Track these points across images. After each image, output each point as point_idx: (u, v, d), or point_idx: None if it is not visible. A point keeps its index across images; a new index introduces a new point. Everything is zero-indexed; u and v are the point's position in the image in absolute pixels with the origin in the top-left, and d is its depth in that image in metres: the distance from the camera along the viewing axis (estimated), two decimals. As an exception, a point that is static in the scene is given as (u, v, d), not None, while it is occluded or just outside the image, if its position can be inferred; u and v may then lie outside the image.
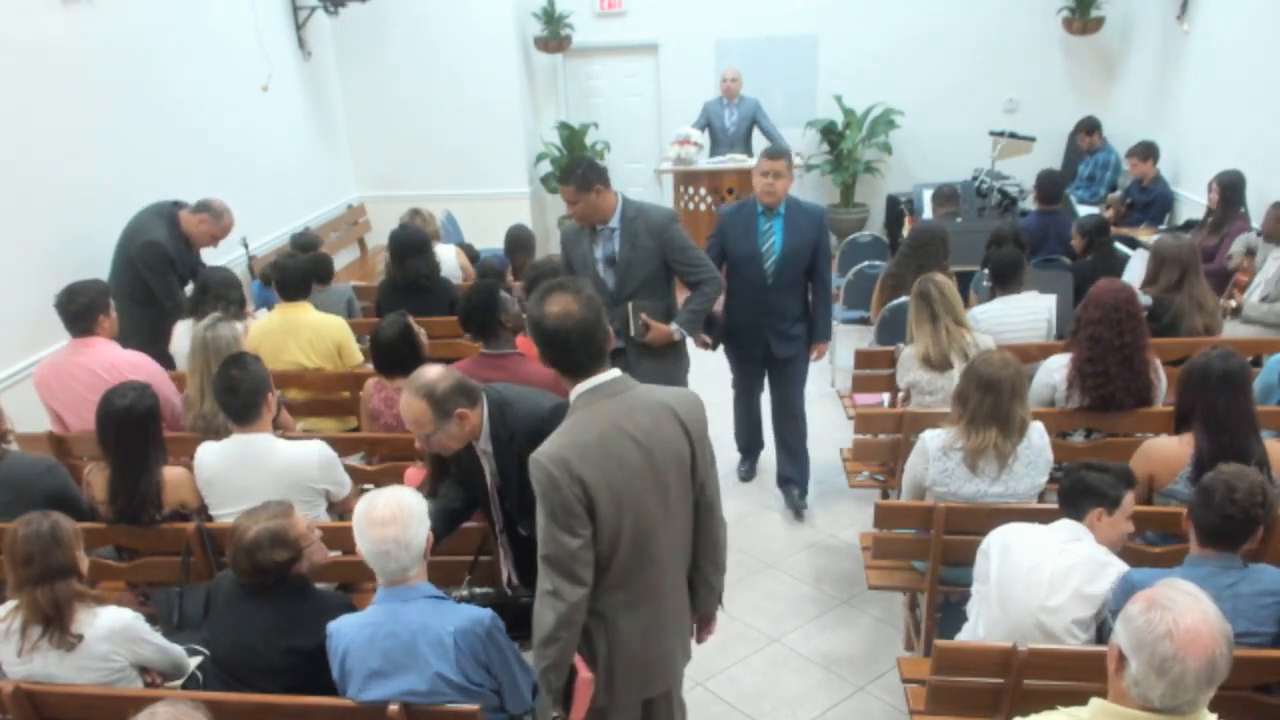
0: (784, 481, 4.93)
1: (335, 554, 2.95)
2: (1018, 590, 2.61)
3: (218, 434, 3.41)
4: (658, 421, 2.28)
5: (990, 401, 3.09)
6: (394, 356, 3.74)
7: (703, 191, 7.75)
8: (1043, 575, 2.59)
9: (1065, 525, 2.68)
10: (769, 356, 4.54)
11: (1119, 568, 2.58)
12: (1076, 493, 2.68)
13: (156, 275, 4.79)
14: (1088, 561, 2.58)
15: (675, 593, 2.46)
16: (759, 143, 8.03)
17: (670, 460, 2.30)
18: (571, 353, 2.22)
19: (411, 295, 4.85)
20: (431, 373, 2.61)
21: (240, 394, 3.17)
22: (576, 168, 3.93)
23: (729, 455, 5.18)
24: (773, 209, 4.31)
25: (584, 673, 2.30)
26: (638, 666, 2.40)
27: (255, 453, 3.20)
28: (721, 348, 4.71)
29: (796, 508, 4.88)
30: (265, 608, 2.50)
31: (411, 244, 4.97)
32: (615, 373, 2.29)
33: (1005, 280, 4.50)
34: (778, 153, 4.33)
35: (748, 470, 5.27)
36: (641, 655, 2.40)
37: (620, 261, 3.99)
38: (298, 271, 4.50)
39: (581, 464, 2.15)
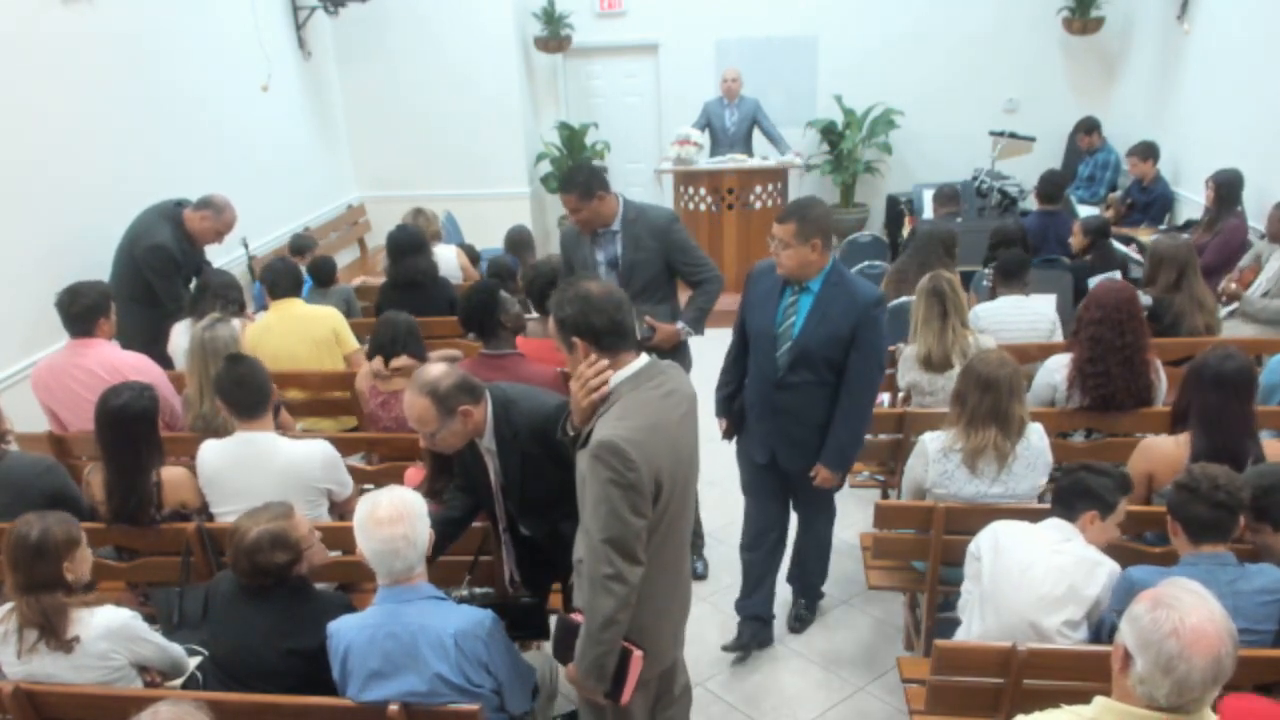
0: (791, 578, 4.00)
1: (335, 554, 2.95)
2: (1010, 590, 2.62)
3: (217, 434, 3.41)
4: (689, 405, 2.43)
5: (990, 400, 3.09)
6: (396, 341, 3.87)
7: (703, 191, 7.75)
8: (1036, 574, 2.59)
9: (1056, 525, 2.67)
10: (777, 464, 3.55)
11: (1111, 567, 2.59)
12: (1074, 493, 2.68)
13: (162, 278, 4.80)
14: (1081, 561, 2.59)
15: (687, 564, 2.58)
16: (759, 143, 8.05)
17: (695, 441, 2.46)
18: (588, 317, 2.27)
19: (410, 292, 4.90)
20: (434, 370, 2.62)
21: (248, 388, 3.21)
22: (578, 175, 3.89)
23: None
24: (798, 282, 3.28)
25: (637, 650, 2.31)
26: (663, 639, 2.46)
27: (258, 451, 3.20)
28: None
29: (797, 618, 3.99)
30: (265, 609, 2.50)
31: (409, 243, 5.03)
32: (645, 358, 2.37)
33: (1009, 279, 4.50)
34: (786, 214, 3.20)
35: (750, 619, 3.89)
36: (666, 627, 2.46)
37: (624, 264, 3.96)
38: (284, 270, 4.61)
39: (651, 446, 2.20)
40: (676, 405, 2.35)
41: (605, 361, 2.29)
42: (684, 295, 4.19)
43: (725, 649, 3.84)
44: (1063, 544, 2.62)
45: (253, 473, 3.17)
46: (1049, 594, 2.57)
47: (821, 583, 4.02)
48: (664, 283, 4.05)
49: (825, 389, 3.33)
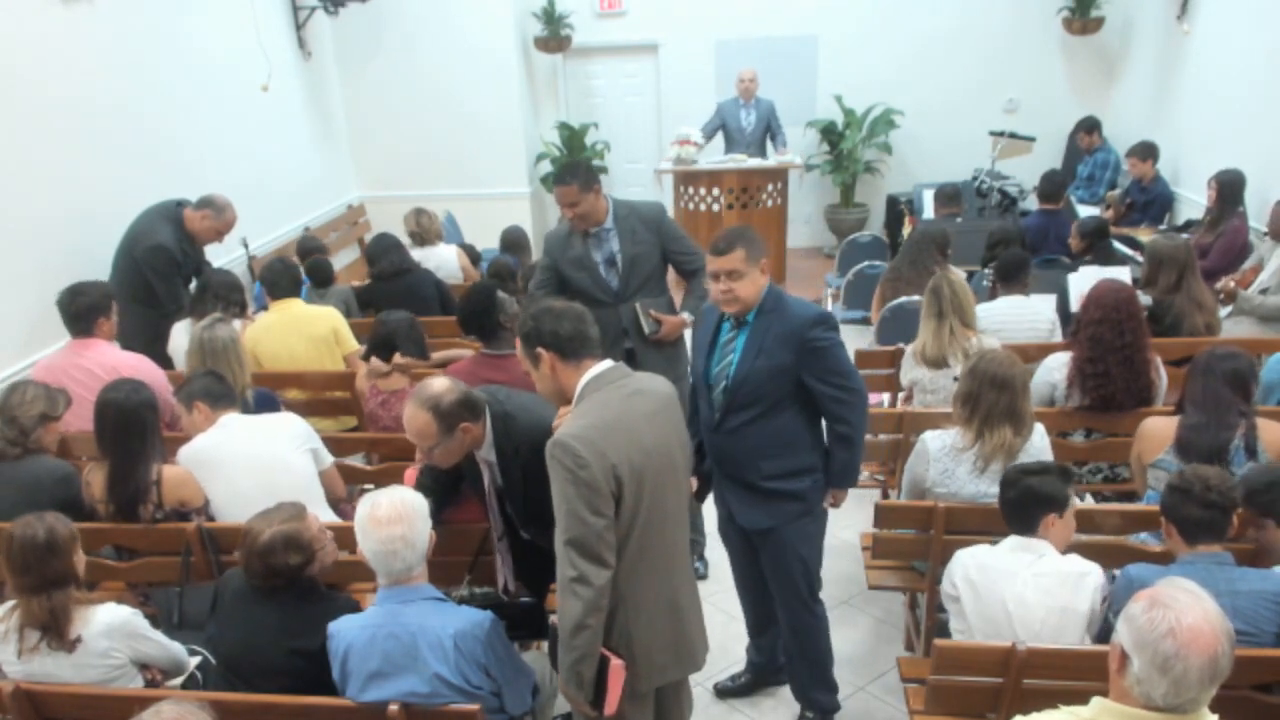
0: (789, 682, 3.45)
1: (343, 554, 2.95)
2: (1004, 630, 2.58)
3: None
4: (662, 404, 2.39)
5: (1006, 400, 3.08)
6: (396, 337, 3.95)
7: (703, 191, 7.75)
8: (1027, 611, 2.56)
9: (1022, 545, 2.63)
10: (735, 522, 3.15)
11: (1097, 576, 2.58)
12: (1026, 503, 2.63)
13: (162, 278, 4.80)
14: (1064, 579, 2.57)
15: (686, 574, 2.52)
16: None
17: (675, 440, 2.41)
18: (553, 325, 2.34)
19: (397, 280, 5.19)
20: (437, 385, 2.61)
21: (225, 382, 3.48)
22: (577, 167, 3.91)
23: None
24: (738, 317, 2.94)
25: (616, 659, 2.29)
26: (656, 651, 2.40)
27: (239, 427, 3.31)
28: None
29: None
30: (274, 608, 2.50)
31: (388, 242, 5.35)
32: (610, 362, 2.39)
33: (1008, 280, 4.51)
34: (729, 243, 2.84)
35: (749, 678, 3.62)
36: (659, 639, 2.40)
37: (624, 259, 3.94)
38: (283, 270, 4.66)
39: (606, 443, 2.19)
40: (644, 403, 2.34)
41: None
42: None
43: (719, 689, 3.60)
44: (1038, 564, 2.59)
45: (245, 439, 3.27)
46: (1044, 627, 2.55)
47: (822, 693, 3.33)
48: (659, 276, 4.07)
49: (770, 425, 2.92)
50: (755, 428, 2.93)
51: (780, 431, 2.94)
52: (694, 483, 3.15)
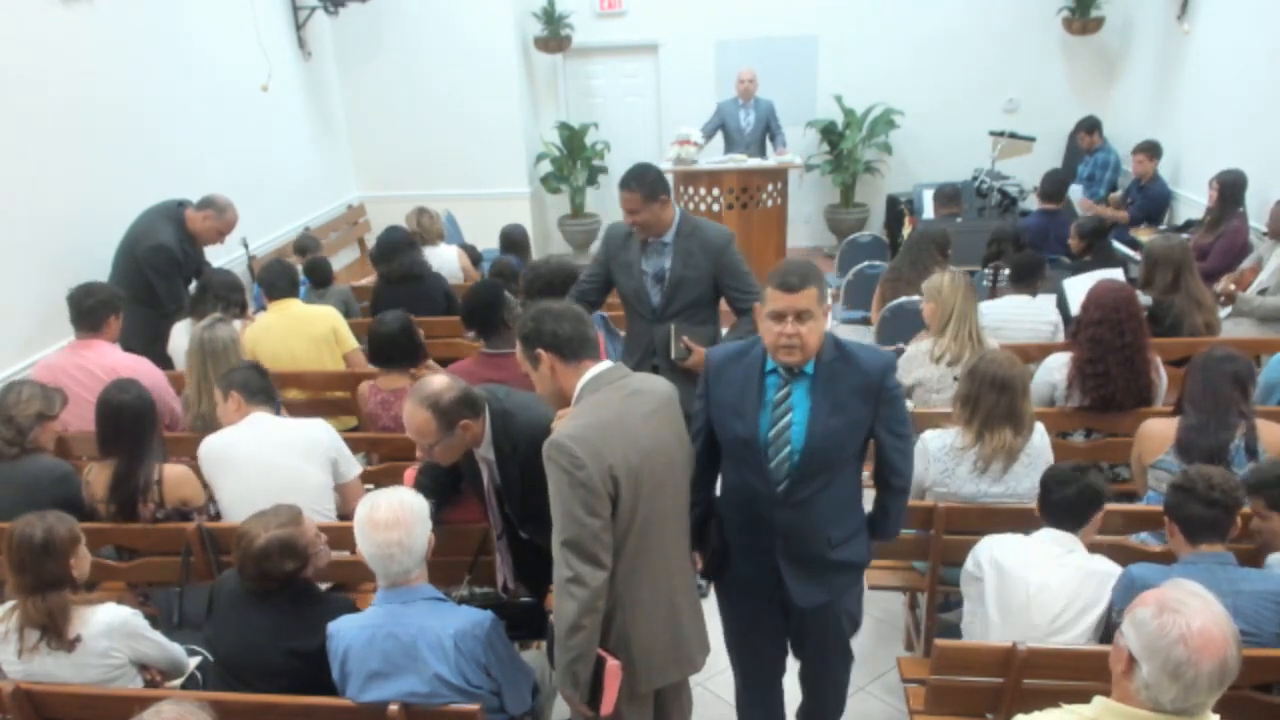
0: None
1: (344, 554, 2.95)
2: (1019, 612, 2.59)
3: (218, 433, 3.43)
4: (660, 403, 2.38)
5: (1006, 401, 3.08)
6: (392, 349, 3.82)
7: (703, 192, 7.75)
8: (1047, 595, 2.57)
9: (1053, 538, 2.64)
10: (784, 601, 2.64)
11: (1119, 576, 2.58)
12: (1087, 499, 2.63)
13: (163, 278, 4.80)
14: (1090, 575, 2.58)
15: (684, 576, 2.50)
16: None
17: (675, 440, 2.40)
18: (553, 326, 2.34)
19: (405, 286, 5.01)
20: (436, 383, 2.61)
21: (266, 376, 3.45)
22: (646, 174, 3.59)
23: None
24: (794, 368, 2.47)
25: (612, 660, 2.28)
26: (655, 653, 2.40)
27: (264, 428, 3.27)
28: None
29: None
30: (270, 610, 2.50)
31: (400, 240, 5.18)
32: (609, 363, 2.39)
33: (1021, 280, 4.51)
34: (800, 277, 2.36)
35: None
36: (658, 641, 2.40)
37: (671, 279, 3.71)
38: (281, 271, 4.64)
39: (603, 443, 2.18)
40: (642, 403, 2.33)
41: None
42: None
43: None
44: (1066, 558, 2.60)
45: (263, 442, 3.23)
46: (1062, 613, 2.56)
47: None
48: (707, 304, 3.80)
49: (838, 487, 2.55)
50: (826, 494, 2.53)
51: (845, 493, 2.59)
52: (698, 559, 2.73)
